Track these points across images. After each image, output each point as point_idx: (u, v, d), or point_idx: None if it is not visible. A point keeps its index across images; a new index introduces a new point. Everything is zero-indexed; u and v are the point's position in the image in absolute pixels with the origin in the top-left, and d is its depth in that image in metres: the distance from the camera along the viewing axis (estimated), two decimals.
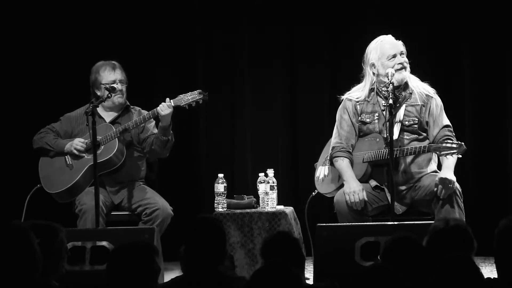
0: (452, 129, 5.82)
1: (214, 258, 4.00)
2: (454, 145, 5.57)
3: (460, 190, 5.64)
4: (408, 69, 5.82)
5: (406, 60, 5.81)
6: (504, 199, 7.22)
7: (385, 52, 5.78)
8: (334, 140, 5.91)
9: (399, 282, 3.06)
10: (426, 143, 5.78)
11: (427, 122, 5.81)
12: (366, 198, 5.65)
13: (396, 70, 5.76)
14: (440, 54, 7.28)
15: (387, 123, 5.61)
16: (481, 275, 3.35)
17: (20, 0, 7.34)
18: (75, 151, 6.08)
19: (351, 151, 5.85)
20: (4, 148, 7.39)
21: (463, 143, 5.59)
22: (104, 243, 5.12)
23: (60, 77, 7.34)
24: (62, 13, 7.36)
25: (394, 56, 5.78)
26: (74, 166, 6.08)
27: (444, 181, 5.57)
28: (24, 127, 7.24)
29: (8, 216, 6.84)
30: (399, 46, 5.81)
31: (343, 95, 5.97)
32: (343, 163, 5.80)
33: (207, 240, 4.04)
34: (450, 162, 5.66)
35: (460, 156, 5.64)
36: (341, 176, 5.82)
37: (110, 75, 6.14)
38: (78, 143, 6.09)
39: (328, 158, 5.95)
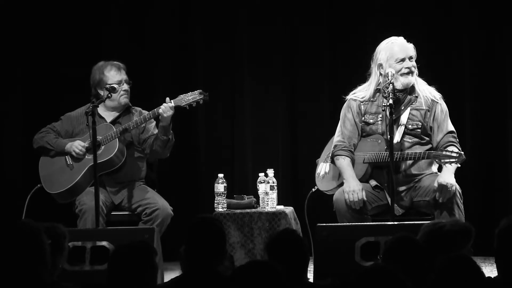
0: (456, 135, 5.81)
1: (214, 258, 4.00)
2: (454, 154, 5.56)
3: (460, 191, 5.64)
4: (416, 73, 5.80)
5: (415, 64, 5.78)
6: (504, 199, 7.22)
7: (394, 54, 5.76)
8: (337, 138, 5.91)
9: (399, 282, 3.06)
10: (428, 147, 5.78)
11: (431, 127, 5.80)
12: (365, 198, 5.65)
13: (403, 74, 5.75)
14: (440, 54, 7.28)
15: (387, 124, 5.60)
16: (482, 274, 3.35)
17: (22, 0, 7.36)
18: (73, 153, 6.07)
19: (353, 150, 5.85)
20: (4, 147, 7.39)
21: (463, 153, 5.59)
22: (104, 243, 5.11)
23: (61, 77, 7.34)
24: (63, 13, 7.37)
25: (403, 59, 5.76)
26: (75, 166, 6.08)
27: (443, 187, 5.56)
28: (25, 126, 7.24)
29: (8, 216, 6.85)
30: (409, 50, 5.78)
31: (347, 95, 5.96)
32: (344, 162, 5.80)
33: (207, 240, 4.04)
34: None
35: (459, 165, 5.63)
36: (341, 175, 5.82)
37: (116, 75, 6.14)
38: (78, 145, 6.07)
39: (330, 155, 5.94)
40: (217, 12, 7.49)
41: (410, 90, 5.82)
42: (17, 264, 3.28)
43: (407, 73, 5.76)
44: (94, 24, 7.42)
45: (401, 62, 5.76)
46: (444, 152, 5.61)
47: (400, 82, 5.74)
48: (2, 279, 3.29)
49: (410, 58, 5.78)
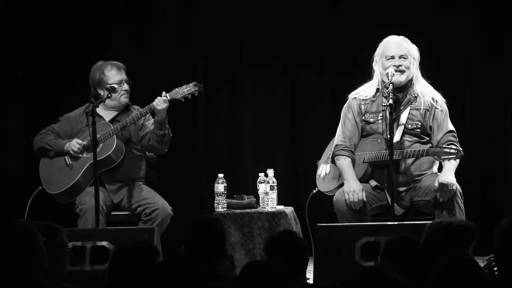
0: (456, 135, 5.80)
1: (214, 258, 4.00)
2: (452, 150, 5.56)
3: (460, 190, 5.64)
4: (408, 73, 5.76)
5: (406, 64, 5.76)
6: (504, 199, 7.22)
7: (385, 51, 5.78)
8: (338, 138, 5.90)
9: (397, 284, 3.06)
10: (428, 146, 5.77)
11: (430, 127, 5.80)
12: (365, 199, 5.65)
13: (394, 72, 5.75)
14: (440, 54, 7.27)
15: (388, 124, 5.60)
16: (483, 274, 3.35)
17: (21, 0, 7.35)
18: (71, 152, 6.08)
19: (353, 150, 5.84)
20: (5, 149, 7.39)
21: (461, 149, 5.59)
22: (104, 243, 5.12)
23: (60, 78, 7.34)
24: (61, 14, 7.37)
25: (392, 57, 5.76)
26: (74, 166, 6.08)
27: (443, 187, 5.56)
28: (25, 128, 7.23)
29: (11, 218, 6.84)
30: (401, 49, 5.76)
31: (349, 94, 5.95)
32: (344, 162, 5.79)
33: (207, 240, 4.04)
34: (451, 164, 5.65)
35: (457, 161, 5.62)
36: (341, 175, 5.81)
37: (117, 75, 6.14)
38: (76, 144, 6.08)
39: (330, 156, 5.94)
40: (218, 14, 7.48)
41: (409, 90, 5.82)
42: (11, 263, 3.27)
43: (395, 71, 5.75)
44: (94, 25, 7.41)
45: (390, 60, 5.76)
46: (442, 149, 5.61)
47: (394, 80, 5.75)
48: None
49: (401, 56, 5.76)
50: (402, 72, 5.76)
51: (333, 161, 5.90)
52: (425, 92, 5.81)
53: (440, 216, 5.57)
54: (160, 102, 5.91)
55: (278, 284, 3.19)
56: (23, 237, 3.32)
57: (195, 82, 6.00)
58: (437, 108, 5.80)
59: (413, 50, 5.81)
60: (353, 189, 5.65)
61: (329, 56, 7.46)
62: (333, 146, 5.92)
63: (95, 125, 5.65)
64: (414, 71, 5.81)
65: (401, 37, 5.84)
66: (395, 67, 5.73)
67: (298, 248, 3.97)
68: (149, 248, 3.61)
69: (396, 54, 5.76)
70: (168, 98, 5.93)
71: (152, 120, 6.17)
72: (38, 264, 3.32)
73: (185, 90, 5.98)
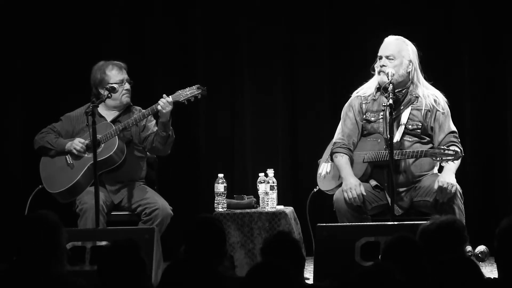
0: (457, 135, 5.80)
1: (214, 258, 4.00)
2: (450, 152, 5.56)
3: (460, 191, 5.63)
4: (396, 73, 5.74)
5: (392, 65, 5.72)
6: (504, 199, 7.22)
7: (379, 52, 5.79)
8: (337, 136, 5.91)
9: (397, 283, 3.06)
10: (428, 146, 5.77)
11: (431, 128, 5.79)
12: (364, 193, 5.63)
13: (379, 72, 5.75)
14: (440, 54, 7.28)
15: (388, 124, 5.60)
16: (481, 274, 3.35)
17: (22, 0, 7.35)
18: (74, 151, 6.08)
19: (352, 148, 5.84)
20: (5, 148, 7.39)
21: (460, 150, 5.59)
22: (104, 243, 5.12)
23: (61, 78, 7.34)
24: (63, 13, 7.37)
25: (380, 57, 5.77)
26: (75, 165, 6.09)
27: (443, 187, 5.55)
28: (25, 127, 7.24)
29: (10, 217, 6.86)
30: (388, 49, 5.74)
31: (350, 93, 5.95)
32: (342, 160, 5.79)
33: (207, 240, 4.04)
34: (451, 164, 5.65)
35: (455, 163, 5.62)
36: (339, 173, 5.81)
37: (118, 75, 6.14)
38: (78, 143, 6.09)
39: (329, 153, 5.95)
40: (218, 13, 7.48)
41: (409, 90, 5.81)
42: (39, 255, 3.32)
43: (379, 72, 5.75)
44: (95, 25, 7.41)
45: (379, 60, 5.77)
46: (441, 150, 5.61)
47: (378, 80, 5.77)
48: (13, 268, 3.32)
49: (387, 57, 5.76)
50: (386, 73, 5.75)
51: (331, 159, 5.90)
52: (427, 93, 5.81)
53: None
54: (166, 105, 5.91)
55: (287, 285, 3.18)
56: (51, 231, 3.37)
57: (198, 85, 6.00)
58: (439, 110, 5.79)
59: (408, 52, 5.78)
60: (350, 186, 5.64)
61: (329, 56, 7.46)
62: (332, 144, 5.92)
63: (95, 125, 5.66)
64: (412, 72, 5.79)
65: (397, 37, 5.83)
66: (380, 67, 5.74)
67: (294, 249, 3.97)
68: (131, 245, 3.61)
69: (383, 54, 5.76)
70: (172, 100, 5.93)
71: (154, 121, 6.18)
72: (56, 258, 3.38)
73: (188, 92, 5.98)
